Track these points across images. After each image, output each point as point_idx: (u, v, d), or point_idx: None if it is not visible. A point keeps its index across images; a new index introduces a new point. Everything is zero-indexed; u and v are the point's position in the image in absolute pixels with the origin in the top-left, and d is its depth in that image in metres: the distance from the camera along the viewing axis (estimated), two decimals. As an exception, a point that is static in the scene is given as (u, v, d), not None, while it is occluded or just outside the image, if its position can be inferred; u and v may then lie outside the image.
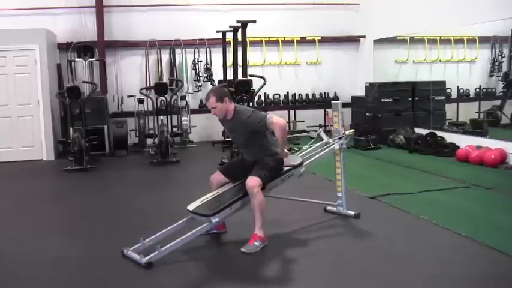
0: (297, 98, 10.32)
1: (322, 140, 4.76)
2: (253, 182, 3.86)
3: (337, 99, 9.93)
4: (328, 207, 4.82)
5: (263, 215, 3.91)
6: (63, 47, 9.21)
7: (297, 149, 5.25)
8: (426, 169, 6.78)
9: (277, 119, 3.92)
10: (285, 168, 4.22)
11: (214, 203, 3.93)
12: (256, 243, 3.86)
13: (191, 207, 3.92)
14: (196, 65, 9.86)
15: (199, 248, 3.92)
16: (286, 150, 4.24)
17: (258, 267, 3.63)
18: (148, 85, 9.44)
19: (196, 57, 9.86)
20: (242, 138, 4.14)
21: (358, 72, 10.54)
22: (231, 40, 8.71)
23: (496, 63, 8.75)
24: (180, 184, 6.57)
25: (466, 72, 9.38)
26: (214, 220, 3.84)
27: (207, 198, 3.99)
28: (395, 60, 10.03)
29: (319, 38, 10.40)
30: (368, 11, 10.22)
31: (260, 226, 3.91)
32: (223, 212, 3.87)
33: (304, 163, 4.41)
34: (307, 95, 10.49)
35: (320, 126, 9.76)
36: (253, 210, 3.89)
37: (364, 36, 10.52)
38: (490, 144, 7.21)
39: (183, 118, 9.29)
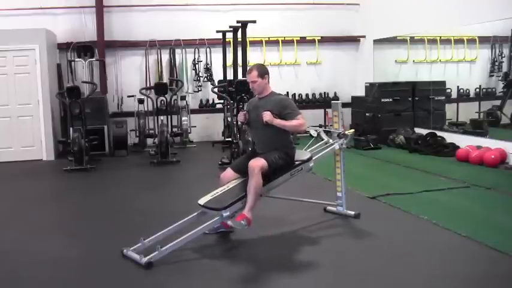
0: (297, 98, 10.31)
1: (322, 139, 4.76)
2: (256, 162, 3.89)
3: (337, 99, 9.94)
4: (328, 207, 4.82)
5: (256, 197, 3.90)
6: (63, 47, 9.22)
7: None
8: (426, 169, 6.78)
9: (303, 122, 4.09)
10: (296, 163, 4.24)
11: (225, 196, 3.95)
12: (242, 222, 3.85)
13: (202, 201, 3.94)
14: (196, 65, 9.86)
15: (200, 248, 3.92)
16: (278, 121, 4.07)
17: (258, 267, 3.63)
18: (148, 85, 9.45)
19: (196, 57, 9.86)
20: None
21: (358, 72, 10.55)
22: (231, 40, 8.71)
23: (496, 63, 8.75)
24: (180, 184, 6.57)
25: (466, 72, 9.38)
26: (225, 214, 3.85)
27: (217, 192, 4.00)
28: (395, 60, 10.03)
29: (319, 38, 10.41)
30: (368, 11, 10.22)
31: (250, 207, 3.89)
32: (234, 206, 3.89)
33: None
34: (307, 95, 10.50)
35: (320, 126, 9.76)
36: (248, 190, 3.89)
37: (364, 36, 10.52)
38: (490, 144, 7.21)
39: (183, 118, 9.29)
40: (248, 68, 4.31)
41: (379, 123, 9.13)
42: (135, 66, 9.80)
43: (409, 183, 5.98)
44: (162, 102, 8.29)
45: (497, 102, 8.54)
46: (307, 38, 10.37)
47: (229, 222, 3.88)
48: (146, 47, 9.63)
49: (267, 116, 4.01)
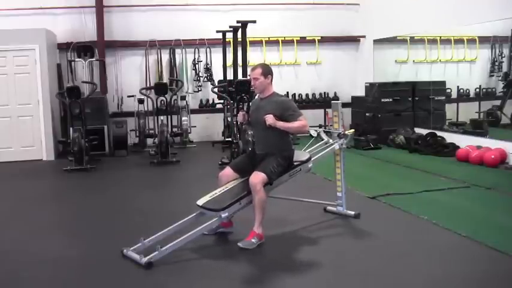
0: (297, 98, 10.31)
1: (322, 140, 4.76)
2: (256, 178, 3.88)
3: (337, 99, 9.94)
4: (328, 207, 4.82)
5: (263, 212, 3.93)
6: (63, 47, 9.21)
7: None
8: (426, 169, 6.78)
9: (306, 124, 4.09)
10: (294, 164, 4.24)
11: (223, 197, 3.94)
12: (253, 240, 3.88)
13: (200, 202, 3.94)
14: (196, 65, 9.86)
15: (200, 248, 3.92)
16: (281, 123, 4.06)
17: (258, 267, 3.64)
18: (148, 85, 9.45)
19: (196, 57, 9.86)
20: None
21: (358, 72, 10.55)
22: (231, 40, 8.71)
23: (496, 63, 8.75)
24: (180, 184, 6.57)
25: (466, 72, 9.38)
26: (224, 215, 3.85)
27: (216, 193, 4.00)
28: (395, 60, 10.03)
29: (319, 38, 10.40)
30: (368, 11, 10.22)
31: (259, 223, 3.93)
32: (233, 207, 3.89)
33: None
34: (307, 95, 10.50)
35: (320, 126, 9.76)
36: (254, 207, 3.91)
37: (364, 36, 10.52)
38: (490, 144, 7.21)
39: (183, 118, 9.29)
40: (253, 66, 4.32)
41: (379, 123, 9.13)
42: (135, 66, 9.80)
43: (409, 183, 5.98)
44: (162, 102, 8.29)
45: (497, 102, 8.54)
46: (307, 38, 10.37)
47: (239, 244, 3.85)
48: (146, 47, 9.63)
49: (269, 119, 4.01)
